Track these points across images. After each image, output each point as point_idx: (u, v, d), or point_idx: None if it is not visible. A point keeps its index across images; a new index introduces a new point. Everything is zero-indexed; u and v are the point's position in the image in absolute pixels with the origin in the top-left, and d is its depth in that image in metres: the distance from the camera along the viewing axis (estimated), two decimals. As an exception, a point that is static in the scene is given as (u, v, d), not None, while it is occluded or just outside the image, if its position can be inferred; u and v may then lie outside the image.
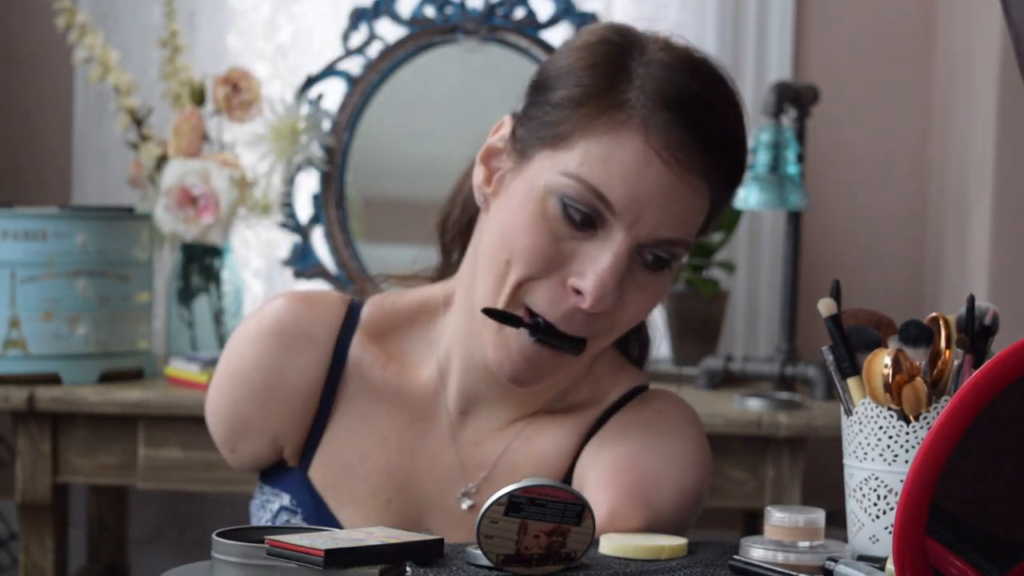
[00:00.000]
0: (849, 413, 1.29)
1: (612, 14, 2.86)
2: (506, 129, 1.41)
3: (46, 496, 2.41)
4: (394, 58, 2.75)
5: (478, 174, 1.42)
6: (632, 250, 1.34)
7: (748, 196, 2.50)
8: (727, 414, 2.34)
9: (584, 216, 1.33)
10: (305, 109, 2.71)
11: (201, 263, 2.68)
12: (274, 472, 1.51)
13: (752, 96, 2.85)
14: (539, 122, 1.37)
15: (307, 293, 1.51)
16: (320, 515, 1.46)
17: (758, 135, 2.51)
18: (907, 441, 1.25)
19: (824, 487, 2.33)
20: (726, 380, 2.58)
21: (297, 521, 1.47)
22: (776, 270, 2.88)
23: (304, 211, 2.76)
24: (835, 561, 1.21)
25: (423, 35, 2.74)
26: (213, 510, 3.00)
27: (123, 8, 2.94)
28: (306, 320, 1.47)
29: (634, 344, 1.55)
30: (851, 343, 1.29)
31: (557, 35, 2.69)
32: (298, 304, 1.48)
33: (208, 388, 1.52)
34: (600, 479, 1.41)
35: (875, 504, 1.27)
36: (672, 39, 1.39)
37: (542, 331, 1.36)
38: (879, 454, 1.26)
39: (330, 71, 2.76)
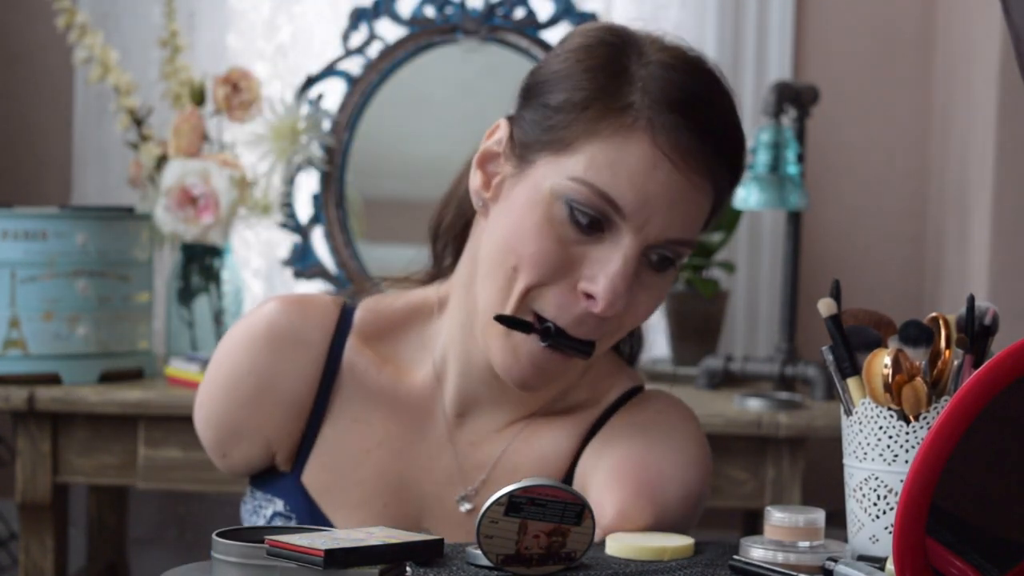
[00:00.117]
0: (849, 413, 1.29)
1: (612, 14, 2.86)
2: (502, 133, 1.40)
3: (46, 496, 2.41)
4: (394, 58, 2.75)
5: (475, 179, 1.41)
6: (640, 252, 1.34)
7: (748, 196, 2.50)
8: (727, 414, 2.34)
9: (592, 220, 1.33)
10: (305, 109, 2.71)
11: (201, 263, 2.68)
12: (266, 477, 1.50)
13: (752, 96, 2.85)
14: (539, 126, 1.36)
15: (300, 296, 1.49)
16: (315, 520, 1.45)
17: (758, 135, 2.51)
18: (907, 441, 1.25)
19: (824, 487, 2.33)
20: (726, 380, 2.58)
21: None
22: (776, 270, 2.88)
23: (304, 211, 2.76)
24: (835, 561, 1.21)
25: (423, 35, 2.74)
26: (213, 510, 3.00)
27: (123, 8, 2.94)
28: (299, 324, 1.46)
29: (626, 343, 1.55)
30: (851, 343, 1.29)
31: (557, 35, 2.69)
32: (291, 307, 1.47)
33: (197, 393, 1.51)
34: (606, 480, 1.41)
35: (875, 504, 1.27)
36: (665, 38, 1.39)
37: (553, 336, 1.36)
38: (879, 454, 1.26)
39: (330, 71, 2.76)
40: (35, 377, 2.43)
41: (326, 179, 2.74)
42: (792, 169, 2.51)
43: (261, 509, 1.49)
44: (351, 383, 1.47)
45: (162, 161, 2.64)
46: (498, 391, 1.45)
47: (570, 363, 1.39)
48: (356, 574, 1.11)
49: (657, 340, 2.85)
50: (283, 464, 1.48)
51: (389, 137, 2.80)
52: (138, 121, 2.68)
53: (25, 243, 2.42)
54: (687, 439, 1.46)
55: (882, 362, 1.26)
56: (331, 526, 1.44)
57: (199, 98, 2.67)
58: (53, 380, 2.44)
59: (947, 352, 1.26)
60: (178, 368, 2.49)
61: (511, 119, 1.41)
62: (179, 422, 2.36)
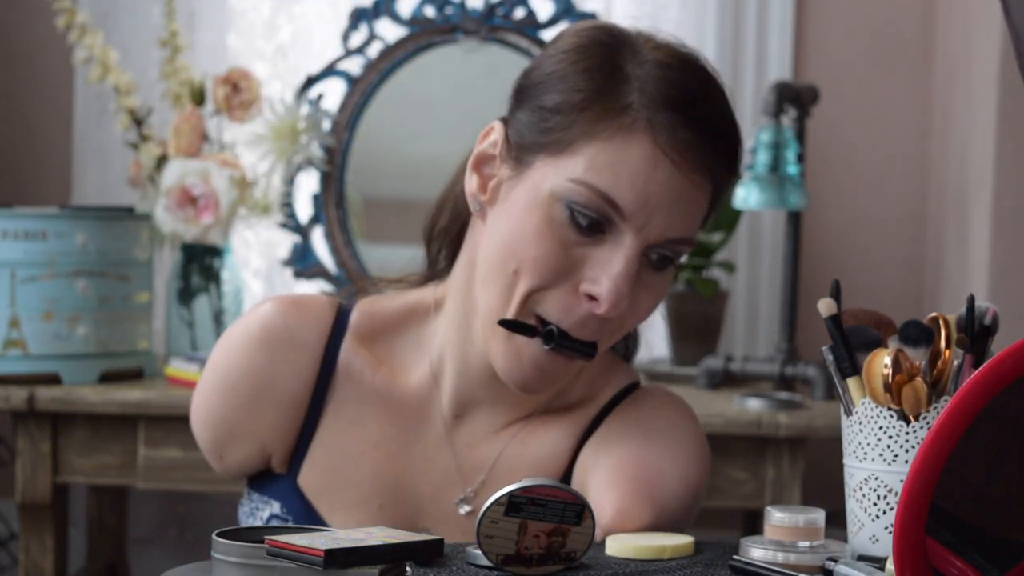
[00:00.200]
0: (849, 413, 1.29)
1: (612, 14, 2.86)
2: (496, 135, 1.40)
3: (46, 496, 2.41)
4: (394, 58, 2.75)
5: (471, 182, 1.40)
6: (641, 252, 1.34)
7: (748, 196, 2.50)
8: (727, 414, 2.34)
9: (592, 221, 1.33)
10: (305, 109, 2.71)
11: (201, 263, 2.68)
12: (263, 479, 1.50)
13: (752, 96, 2.85)
14: (536, 128, 1.36)
15: (296, 297, 1.49)
16: (311, 522, 1.45)
17: (758, 135, 2.51)
18: (907, 441, 1.25)
19: (824, 487, 2.33)
20: (726, 380, 2.58)
21: None
22: (776, 270, 2.88)
23: (304, 211, 2.76)
24: (835, 561, 1.21)
25: (423, 35, 2.74)
26: (213, 510, 3.00)
27: (123, 8, 2.94)
28: (295, 324, 1.46)
29: (621, 341, 1.54)
30: (851, 343, 1.29)
31: (557, 35, 2.69)
32: (287, 308, 1.47)
33: (194, 393, 1.50)
34: (605, 479, 1.41)
35: (875, 504, 1.27)
36: (657, 36, 1.38)
37: (556, 339, 1.36)
38: (879, 454, 1.26)
39: (330, 71, 2.76)
40: (35, 377, 2.43)
41: (326, 179, 2.74)
42: (792, 169, 2.51)
43: (258, 511, 1.49)
44: (346, 384, 1.46)
45: (162, 161, 2.64)
46: (495, 392, 1.44)
47: (572, 364, 1.39)
48: (356, 574, 1.11)
49: (657, 340, 2.85)
50: (279, 466, 1.48)
51: (389, 137, 2.80)
52: (138, 121, 2.68)
53: (25, 243, 2.42)
54: (685, 435, 1.46)
55: (882, 362, 1.26)
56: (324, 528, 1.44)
57: (199, 98, 2.67)
58: (53, 380, 2.44)
59: (947, 352, 1.26)
60: (178, 368, 2.49)
61: (505, 121, 1.40)
62: (179, 422, 2.36)
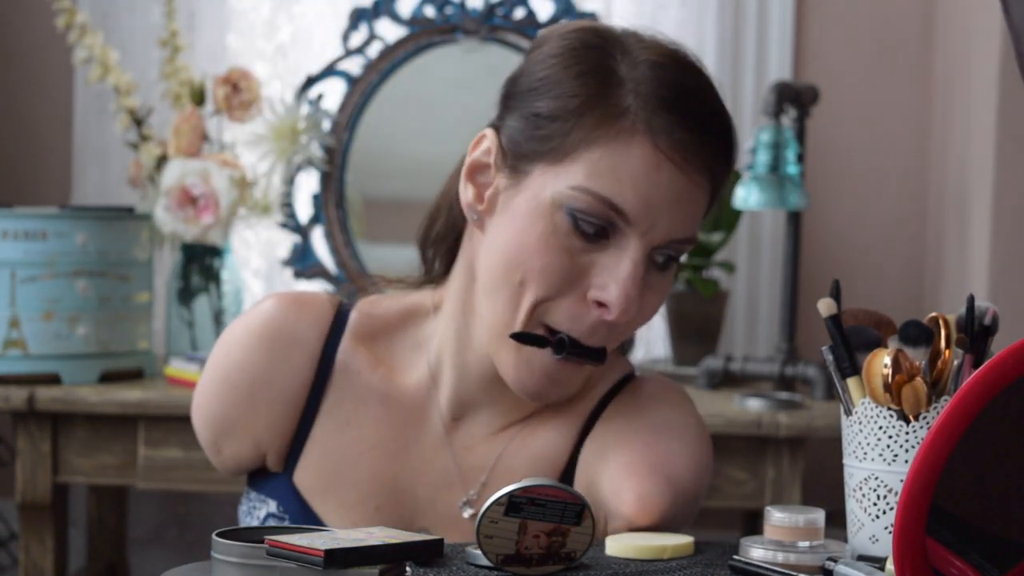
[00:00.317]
0: (849, 413, 1.29)
1: (612, 14, 2.86)
2: (489, 143, 1.38)
3: (46, 496, 2.41)
4: (394, 58, 2.75)
5: (467, 193, 1.39)
6: (646, 255, 1.34)
7: (748, 196, 2.50)
8: (727, 414, 2.34)
9: (597, 228, 1.32)
10: (305, 109, 2.71)
11: (201, 263, 2.68)
12: (261, 478, 1.49)
13: (752, 96, 2.85)
14: (531, 136, 1.34)
15: (296, 295, 1.49)
16: (308, 521, 1.44)
17: (758, 135, 2.50)
18: (907, 441, 1.25)
19: (824, 487, 2.33)
20: (726, 380, 2.58)
21: None
22: (776, 270, 2.88)
23: (304, 211, 2.76)
24: (835, 561, 1.21)
25: (423, 35, 2.75)
26: (213, 510, 3.00)
27: (123, 8, 2.94)
28: (295, 322, 1.46)
29: None
30: (851, 343, 1.29)
31: (557, 35, 2.69)
32: (287, 306, 1.46)
33: (195, 391, 1.51)
34: (618, 471, 1.40)
35: (875, 504, 1.27)
36: (644, 34, 1.37)
37: (567, 347, 1.36)
38: (879, 454, 1.26)
39: (330, 71, 2.76)
40: (35, 377, 2.43)
41: (326, 179, 2.74)
42: (792, 169, 2.51)
43: (255, 510, 1.49)
44: (343, 383, 1.46)
45: (162, 161, 2.64)
46: (494, 395, 1.44)
47: (582, 371, 1.40)
48: (356, 574, 1.11)
49: (657, 340, 2.85)
50: (274, 464, 1.48)
51: (389, 137, 2.80)
52: (138, 121, 2.68)
53: (25, 243, 2.42)
54: (686, 415, 1.47)
55: (882, 362, 1.26)
56: (324, 527, 1.44)
57: (199, 98, 2.67)
58: (53, 380, 2.44)
59: (947, 352, 1.26)
60: (178, 368, 2.49)
61: (496, 128, 1.39)
62: (179, 422, 2.36)
